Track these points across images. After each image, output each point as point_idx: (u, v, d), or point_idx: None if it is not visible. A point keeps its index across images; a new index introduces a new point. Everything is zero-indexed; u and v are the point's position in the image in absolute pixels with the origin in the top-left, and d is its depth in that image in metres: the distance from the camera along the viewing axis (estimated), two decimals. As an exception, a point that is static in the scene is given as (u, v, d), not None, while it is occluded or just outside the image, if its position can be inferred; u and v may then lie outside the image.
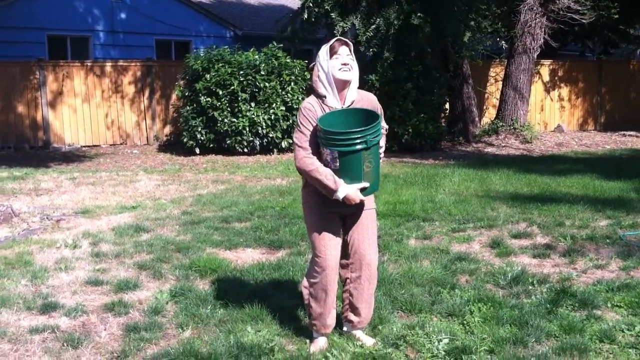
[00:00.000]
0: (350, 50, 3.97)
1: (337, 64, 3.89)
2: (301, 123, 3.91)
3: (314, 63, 4.02)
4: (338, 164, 3.79)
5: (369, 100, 4.07)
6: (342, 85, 3.93)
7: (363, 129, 3.71)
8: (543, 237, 6.77)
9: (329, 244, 3.95)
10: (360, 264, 4.03)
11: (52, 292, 5.15)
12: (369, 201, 4.04)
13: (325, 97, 3.93)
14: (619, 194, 9.05)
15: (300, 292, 4.98)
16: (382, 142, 4.02)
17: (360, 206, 3.96)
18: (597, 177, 10.46)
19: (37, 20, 18.31)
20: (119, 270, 5.72)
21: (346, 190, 3.79)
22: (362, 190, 3.84)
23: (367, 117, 3.85)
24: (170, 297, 4.99)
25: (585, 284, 5.23)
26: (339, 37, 4.06)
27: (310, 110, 3.91)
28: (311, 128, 3.88)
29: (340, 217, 4.02)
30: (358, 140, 3.69)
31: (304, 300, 4.12)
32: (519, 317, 4.40)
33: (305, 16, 15.49)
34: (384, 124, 4.08)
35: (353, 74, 3.93)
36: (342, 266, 4.10)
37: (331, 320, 4.08)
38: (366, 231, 4.04)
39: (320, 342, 4.07)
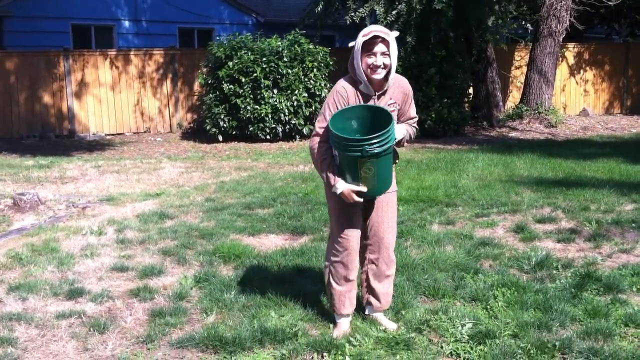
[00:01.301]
0: (388, 47, 3.79)
1: (369, 63, 3.79)
2: (328, 106, 3.88)
3: (353, 43, 3.90)
4: (338, 161, 3.84)
5: (400, 87, 3.99)
6: (373, 79, 3.87)
7: (359, 138, 3.65)
8: (568, 221, 6.71)
9: (351, 225, 3.96)
10: (379, 246, 4.05)
11: (78, 278, 5.22)
12: (391, 185, 4.03)
13: (360, 82, 3.89)
14: (645, 177, 8.94)
15: (323, 277, 5.01)
16: (406, 133, 3.98)
17: None
18: (623, 161, 10.34)
19: (61, 10, 18.47)
20: (143, 257, 5.78)
21: (342, 187, 3.82)
22: (361, 192, 3.81)
23: (380, 122, 3.71)
24: (194, 283, 5.04)
25: (610, 268, 5.18)
26: (376, 32, 3.76)
27: (342, 97, 3.87)
28: (339, 108, 3.85)
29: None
30: (353, 148, 3.65)
31: (325, 282, 4.14)
32: (543, 301, 4.37)
33: (323, 3, 15.44)
34: (414, 114, 4.06)
35: (384, 73, 3.82)
36: (361, 248, 4.10)
37: (352, 300, 4.09)
38: (386, 214, 4.04)
39: (343, 326, 4.09)
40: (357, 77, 3.87)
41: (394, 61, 3.83)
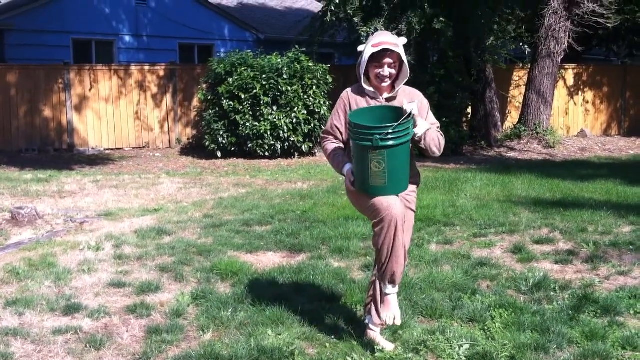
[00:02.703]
0: (395, 57, 3.87)
1: (376, 72, 3.90)
2: (335, 110, 4.10)
3: (362, 47, 3.99)
4: (352, 153, 3.87)
5: (411, 95, 4.03)
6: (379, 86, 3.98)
7: (371, 126, 3.64)
8: (565, 243, 6.72)
9: (391, 200, 3.81)
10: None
11: (75, 293, 5.21)
12: (411, 201, 4.06)
13: (365, 88, 4.00)
14: (643, 199, 8.95)
15: (321, 296, 5.01)
16: (433, 135, 3.93)
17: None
18: (621, 183, 10.36)
19: (62, 24, 18.55)
20: (141, 273, 5.77)
21: (345, 171, 3.94)
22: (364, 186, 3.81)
23: (394, 118, 3.73)
24: (191, 300, 5.03)
25: (608, 290, 5.18)
26: (386, 46, 3.84)
27: (344, 101, 4.06)
28: (341, 115, 4.04)
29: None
30: (364, 136, 3.64)
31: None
32: (540, 323, 4.37)
33: (328, 19, 15.53)
34: (433, 120, 4.03)
35: (389, 82, 3.94)
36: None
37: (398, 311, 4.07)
38: (409, 215, 4.04)
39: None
40: (362, 82, 3.99)
41: (404, 69, 3.94)
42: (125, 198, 9.70)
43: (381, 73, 3.89)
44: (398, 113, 3.76)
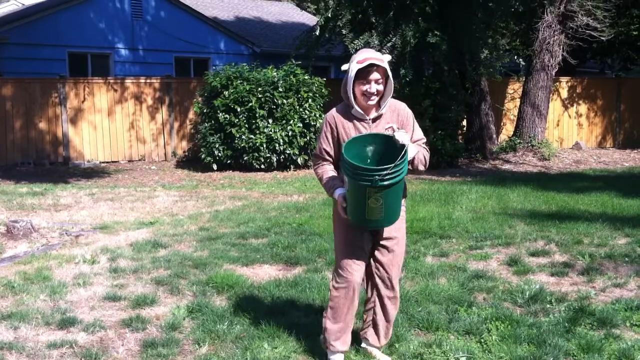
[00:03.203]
0: (381, 73, 3.83)
1: (363, 89, 3.83)
2: (323, 134, 4.01)
3: (346, 66, 3.90)
4: (346, 187, 3.78)
5: (397, 111, 3.98)
6: (365, 105, 3.92)
7: (372, 168, 3.60)
8: (561, 255, 6.73)
9: (356, 258, 3.92)
10: (385, 284, 4.03)
11: (70, 307, 5.19)
12: (401, 230, 4.04)
13: (351, 107, 3.93)
14: (637, 212, 8.97)
15: (317, 309, 5.00)
16: (418, 152, 3.92)
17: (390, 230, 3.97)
18: (616, 195, 10.38)
19: (58, 38, 18.60)
20: (136, 286, 5.76)
21: (336, 196, 3.89)
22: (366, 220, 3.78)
23: (394, 153, 3.64)
24: (187, 313, 5.01)
25: (604, 302, 5.18)
26: (372, 61, 3.79)
27: (329, 126, 3.97)
28: (329, 137, 3.96)
29: (370, 232, 3.98)
30: (365, 177, 3.57)
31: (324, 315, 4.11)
32: (536, 335, 4.37)
33: (317, 33, 15.60)
34: (420, 135, 4.00)
35: (376, 99, 3.87)
36: (366, 281, 4.09)
37: (349, 337, 4.06)
38: (392, 253, 4.01)
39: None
40: (348, 102, 3.91)
41: (389, 85, 3.87)
42: (120, 211, 9.68)
43: (368, 90, 3.81)
44: (388, 141, 3.71)
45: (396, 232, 3.99)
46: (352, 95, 3.87)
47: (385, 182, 3.55)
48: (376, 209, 3.66)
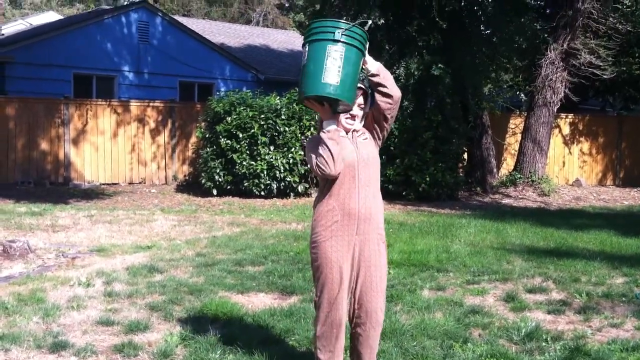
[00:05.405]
0: (362, 98, 3.98)
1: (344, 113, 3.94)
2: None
3: None
4: (306, 58, 3.82)
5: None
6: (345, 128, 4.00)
7: (334, 20, 3.82)
8: (558, 292, 6.69)
9: (338, 298, 3.90)
10: (367, 313, 3.98)
11: (62, 330, 5.16)
12: (382, 248, 4.01)
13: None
14: (636, 251, 8.95)
15: (311, 339, 4.96)
16: (390, 76, 3.97)
17: (371, 248, 3.94)
18: (615, 234, 10.36)
19: (64, 59, 18.72)
20: (130, 311, 5.72)
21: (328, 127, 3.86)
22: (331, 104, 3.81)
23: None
24: (180, 341, 4.97)
25: (600, 342, 5.14)
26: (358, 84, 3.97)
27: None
28: None
29: (350, 258, 3.94)
30: (326, 31, 3.74)
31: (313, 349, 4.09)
32: (531, 374, 4.33)
33: None
34: (375, 64, 3.97)
35: (355, 123, 3.98)
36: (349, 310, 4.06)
37: None
38: (374, 279, 3.97)
39: None
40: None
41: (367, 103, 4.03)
42: (118, 234, 9.67)
43: (351, 113, 3.93)
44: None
45: (375, 256, 3.99)
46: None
47: (343, 38, 3.71)
48: (333, 70, 3.70)
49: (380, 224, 4.00)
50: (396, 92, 3.93)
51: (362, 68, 3.90)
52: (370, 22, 4.01)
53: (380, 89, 3.90)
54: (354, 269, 3.96)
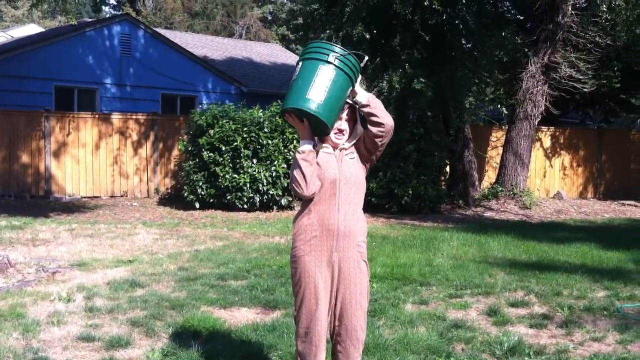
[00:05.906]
0: (350, 110, 3.99)
1: (335, 125, 3.93)
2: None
3: None
4: (296, 74, 3.87)
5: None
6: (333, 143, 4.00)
7: (329, 43, 3.89)
8: (540, 306, 6.72)
9: (318, 315, 3.88)
10: (347, 329, 3.96)
11: (42, 346, 5.10)
12: (362, 266, 3.99)
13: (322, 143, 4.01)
14: (617, 264, 9.01)
15: (293, 355, 4.94)
16: (381, 105, 3.96)
17: (351, 265, 3.92)
18: (596, 247, 10.43)
19: (45, 71, 18.61)
20: (111, 327, 5.67)
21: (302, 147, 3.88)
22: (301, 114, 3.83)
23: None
24: (162, 357, 4.94)
25: (582, 356, 5.17)
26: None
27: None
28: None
29: (330, 274, 3.92)
30: (322, 51, 3.81)
31: None
32: (514, 389, 4.34)
33: None
34: (366, 95, 3.97)
35: (343, 138, 3.99)
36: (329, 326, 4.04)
37: None
38: (354, 295, 3.95)
39: None
40: (316, 141, 3.99)
41: (357, 127, 4.02)
42: (99, 248, 9.59)
43: (339, 127, 3.93)
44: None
45: (355, 272, 3.97)
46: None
47: (336, 62, 3.77)
48: (320, 88, 3.75)
49: (360, 242, 3.97)
50: (388, 121, 3.92)
51: (354, 100, 3.93)
52: (367, 58, 4.05)
53: (372, 118, 3.91)
54: (334, 285, 3.94)
